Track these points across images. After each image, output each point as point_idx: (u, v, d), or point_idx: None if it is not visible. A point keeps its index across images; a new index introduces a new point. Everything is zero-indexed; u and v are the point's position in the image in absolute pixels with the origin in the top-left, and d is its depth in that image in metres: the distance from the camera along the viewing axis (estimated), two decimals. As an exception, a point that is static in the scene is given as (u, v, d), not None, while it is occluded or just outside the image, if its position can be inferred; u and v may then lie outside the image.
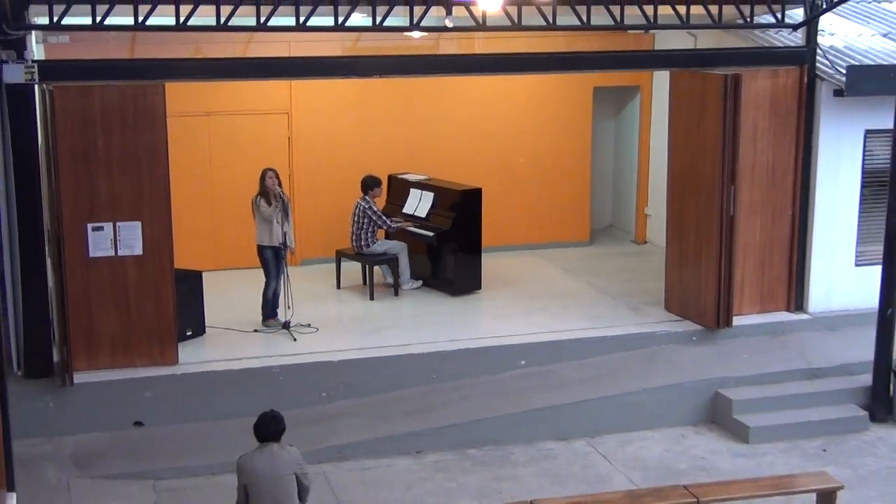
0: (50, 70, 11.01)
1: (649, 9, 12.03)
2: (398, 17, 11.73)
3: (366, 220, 14.10)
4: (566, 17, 11.98)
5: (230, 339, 12.50)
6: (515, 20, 11.85)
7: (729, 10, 12.59)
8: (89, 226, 11.13)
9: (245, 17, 11.05)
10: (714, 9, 12.33)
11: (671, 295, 13.50)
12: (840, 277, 13.50)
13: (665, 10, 12.20)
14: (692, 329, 12.98)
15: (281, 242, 12.79)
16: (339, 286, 14.62)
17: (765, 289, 13.36)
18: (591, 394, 11.88)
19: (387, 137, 15.73)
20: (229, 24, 10.94)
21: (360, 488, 10.45)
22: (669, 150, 13.34)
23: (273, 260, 12.90)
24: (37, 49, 12.71)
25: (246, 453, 8.29)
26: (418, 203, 14.66)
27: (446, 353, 12.17)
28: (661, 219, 14.28)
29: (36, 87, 10.98)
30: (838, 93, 12.73)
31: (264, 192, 12.78)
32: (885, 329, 11.94)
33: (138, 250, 11.30)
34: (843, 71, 12.62)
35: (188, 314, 12.23)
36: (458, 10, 11.81)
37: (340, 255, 14.55)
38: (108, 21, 10.55)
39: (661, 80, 15.71)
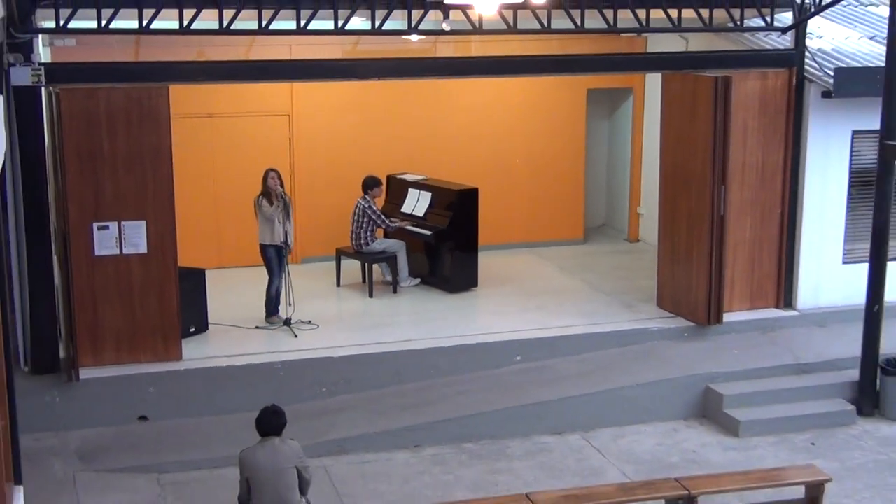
0: (56, 73, 10.99)
1: (642, 12, 12.04)
2: (396, 21, 11.72)
3: (365, 220, 14.09)
4: (560, 21, 11.98)
5: (232, 335, 12.49)
6: (511, 24, 11.85)
7: (720, 14, 12.59)
8: (95, 225, 11.11)
9: (247, 20, 11.05)
10: (705, 12, 12.34)
11: (663, 292, 13.50)
12: (828, 275, 13.50)
13: (657, 14, 12.21)
14: (684, 325, 12.98)
15: (282, 241, 12.79)
16: (338, 284, 14.61)
17: (754, 286, 13.35)
18: (586, 389, 11.87)
19: (385, 138, 15.71)
20: (231, 27, 10.94)
21: (359, 481, 10.44)
22: (661, 151, 13.33)
23: (275, 258, 12.89)
24: (43, 52, 12.70)
25: (248, 447, 8.29)
26: (416, 202, 14.65)
27: (444, 349, 12.16)
28: (654, 218, 14.29)
29: (42, 89, 10.98)
30: (826, 94, 12.74)
31: (266, 192, 12.77)
32: (871, 325, 11.95)
33: (143, 249, 11.29)
34: (831, 73, 12.63)
35: (192, 311, 12.21)
36: (454, 14, 11.81)
37: (340, 254, 14.54)
38: (113, 25, 10.56)
39: (653, 82, 15.70)
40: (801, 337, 13.06)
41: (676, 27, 12.33)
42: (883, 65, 11.73)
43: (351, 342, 12.29)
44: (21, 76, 10.55)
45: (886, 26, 11.63)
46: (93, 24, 10.58)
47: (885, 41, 11.77)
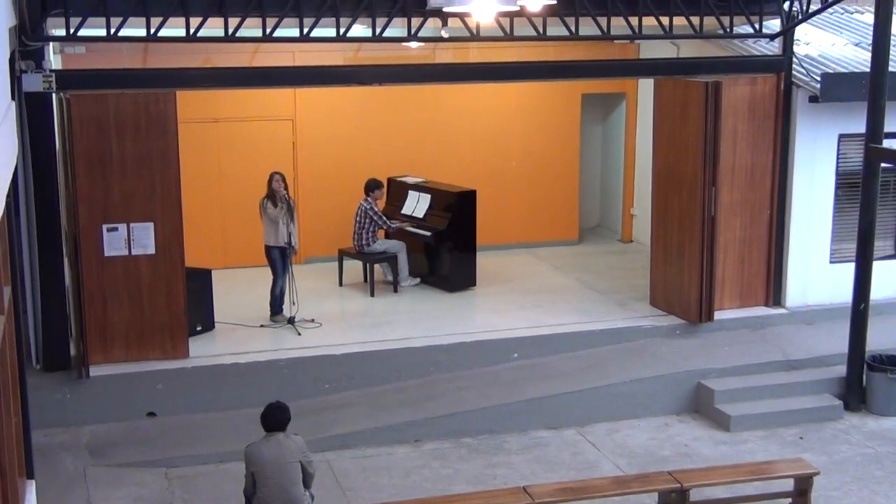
0: (66, 79, 10.98)
1: (634, 20, 12.02)
2: (396, 29, 11.71)
3: (367, 221, 14.08)
4: (556, 28, 11.98)
5: (238, 333, 12.48)
6: (507, 31, 11.85)
7: (710, 21, 12.58)
8: (104, 226, 11.10)
9: (252, 28, 11.04)
10: (696, 20, 12.34)
11: (656, 291, 13.49)
12: (815, 274, 13.49)
13: (649, 21, 12.20)
14: (676, 323, 12.97)
15: (286, 242, 12.78)
16: (341, 283, 14.59)
17: (744, 285, 13.35)
18: (581, 385, 11.86)
19: (386, 142, 15.70)
20: (237, 35, 10.93)
21: (361, 475, 10.43)
22: (654, 154, 13.32)
23: (279, 259, 12.89)
24: (54, 59, 12.69)
25: (253, 442, 8.28)
26: (416, 204, 14.64)
27: (443, 347, 12.15)
28: (647, 219, 14.28)
29: (53, 95, 10.96)
30: (813, 99, 12.74)
31: (271, 195, 12.76)
32: (858, 322, 11.94)
33: (151, 249, 11.28)
34: (818, 78, 12.63)
35: (198, 310, 12.20)
36: (453, 22, 11.80)
37: (343, 254, 14.52)
38: (121, 33, 10.55)
39: (645, 87, 15.68)
40: (790, 334, 13.05)
41: (668, 34, 12.33)
42: (868, 70, 11.73)
43: (353, 340, 12.28)
44: (32, 83, 10.54)
45: (871, 33, 11.63)
46: (102, 32, 10.57)
47: (870, 47, 11.76)
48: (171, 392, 11.21)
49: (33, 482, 8.54)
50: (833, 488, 10.17)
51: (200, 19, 10.72)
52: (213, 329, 12.53)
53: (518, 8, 10.45)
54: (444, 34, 12.21)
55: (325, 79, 12.73)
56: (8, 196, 6.87)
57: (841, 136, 13.22)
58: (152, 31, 10.62)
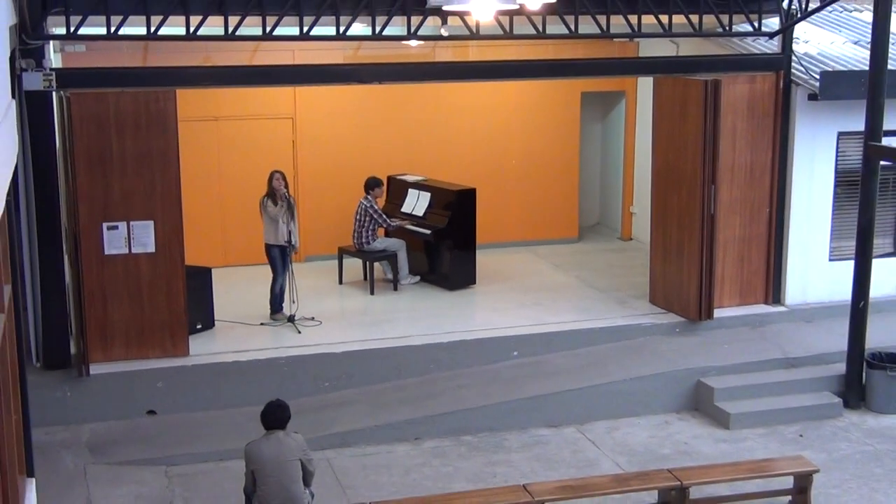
0: (67, 78, 10.97)
1: (634, 18, 12.00)
2: (396, 27, 11.69)
3: (367, 219, 14.06)
4: (555, 27, 11.96)
5: (238, 332, 12.47)
6: (507, 29, 11.83)
7: (709, 20, 12.57)
8: (104, 225, 11.08)
9: (251, 27, 11.02)
10: (695, 18, 12.32)
11: (655, 289, 13.48)
12: (815, 272, 13.48)
13: (648, 20, 12.19)
14: (676, 321, 12.96)
15: (286, 241, 12.77)
16: (341, 282, 14.58)
17: (744, 283, 13.34)
18: (581, 383, 11.84)
19: (386, 140, 15.69)
20: (237, 33, 10.91)
21: (361, 473, 10.42)
22: (653, 152, 13.31)
23: (279, 257, 12.87)
24: (54, 58, 12.68)
25: (253, 440, 8.27)
26: (416, 202, 14.63)
27: (443, 345, 12.14)
28: (646, 217, 14.27)
29: (53, 93, 10.96)
30: (812, 97, 12.72)
31: (271, 193, 12.75)
32: (857, 320, 11.92)
33: (151, 248, 11.26)
34: (817, 76, 12.61)
35: (198, 308, 12.19)
36: (452, 20, 11.79)
37: (342, 252, 14.51)
38: (121, 31, 10.52)
39: (645, 85, 15.67)
40: (790, 332, 13.04)
41: (667, 32, 12.31)
42: (867, 68, 11.71)
43: (353, 338, 12.26)
44: (33, 81, 10.53)
45: (870, 31, 11.62)
46: (102, 31, 10.55)
47: (868, 45, 11.75)
48: (171, 390, 11.20)
49: (33, 480, 8.53)
50: (832, 486, 10.16)
51: (200, 18, 10.70)
52: (213, 327, 12.51)
53: (517, 6, 10.44)
54: (444, 33, 12.19)
55: (325, 77, 12.71)
56: (8, 194, 6.85)
57: (840, 134, 13.21)
58: (152, 29, 10.61)
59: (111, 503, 9.62)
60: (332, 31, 11.23)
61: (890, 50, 11.67)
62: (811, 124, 13.07)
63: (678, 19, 12.24)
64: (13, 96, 9.71)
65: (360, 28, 11.56)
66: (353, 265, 14.55)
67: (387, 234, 14.59)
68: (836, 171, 13.35)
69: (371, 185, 14.16)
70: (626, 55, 16.00)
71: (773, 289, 13.41)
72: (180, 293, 11.44)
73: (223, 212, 15.15)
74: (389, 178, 15.04)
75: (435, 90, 15.46)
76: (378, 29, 11.27)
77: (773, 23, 12.93)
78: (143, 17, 10.53)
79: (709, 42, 13.90)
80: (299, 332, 12.44)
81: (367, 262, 14.30)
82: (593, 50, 15.12)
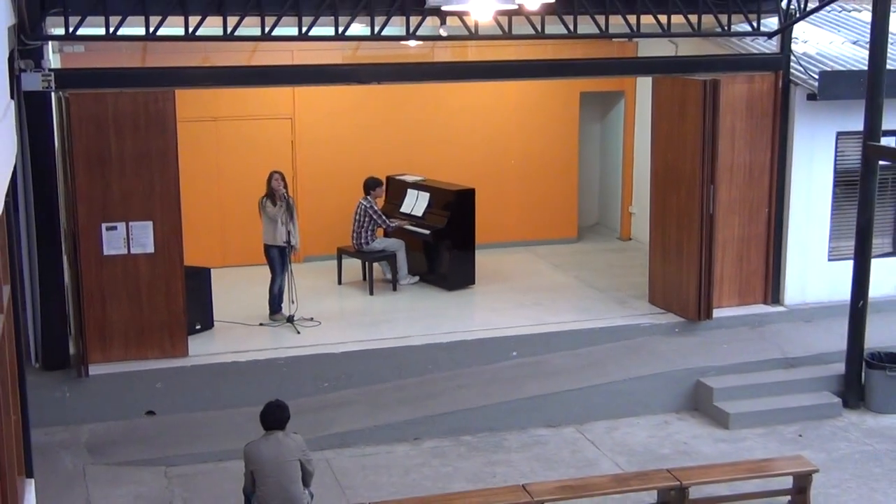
0: (65, 78, 10.97)
1: (632, 18, 12.01)
2: (395, 27, 11.70)
3: (367, 219, 14.06)
4: (554, 27, 11.96)
5: (237, 332, 12.46)
6: (506, 29, 11.83)
7: (708, 20, 12.58)
8: (103, 225, 11.08)
9: (250, 27, 11.02)
10: (694, 18, 12.32)
11: (655, 289, 13.48)
12: (814, 271, 13.48)
13: (647, 20, 12.20)
14: (675, 321, 12.96)
15: (285, 241, 12.76)
16: (340, 282, 14.57)
17: (743, 283, 13.33)
18: (580, 383, 11.84)
19: (385, 140, 15.68)
20: (235, 34, 10.92)
21: (360, 473, 10.42)
22: (652, 152, 13.31)
23: (278, 258, 12.87)
24: (53, 58, 12.67)
25: (252, 441, 8.27)
26: (415, 202, 14.63)
27: (442, 345, 12.14)
28: (645, 217, 14.27)
29: (52, 94, 10.95)
30: (811, 97, 12.72)
31: (270, 194, 12.74)
32: (856, 320, 11.93)
33: (150, 248, 11.26)
34: (816, 76, 12.61)
35: (197, 309, 12.18)
36: (451, 20, 11.79)
37: (341, 253, 14.50)
38: (120, 32, 10.53)
39: (644, 85, 15.67)
40: (789, 332, 13.04)
41: (666, 32, 12.32)
42: (866, 68, 11.71)
43: (352, 338, 12.26)
44: (31, 82, 10.53)
45: (869, 31, 11.62)
46: (101, 31, 10.55)
47: (867, 45, 11.75)
48: (170, 391, 11.19)
49: (32, 481, 8.52)
50: (832, 486, 10.16)
51: (199, 18, 10.70)
52: (212, 328, 12.51)
53: (516, 6, 10.45)
54: (443, 33, 12.19)
55: (324, 77, 12.71)
56: (7, 195, 6.85)
57: (839, 134, 13.21)
58: (151, 30, 10.61)
59: (110, 503, 9.62)
60: (330, 31, 11.23)
61: (889, 50, 11.67)
62: (810, 124, 13.07)
63: (677, 19, 12.25)
64: (12, 97, 9.71)
65: (358, 28, 11.56)
66: (352, 265, 14.55)
67: (386, 234, 14.59)
68: (835, 171, 13.35)
69: (371, 185, 14.16)
70: (624, 55, 16.00)
71: (772, 289, 13.41)
72: (179, 294, 11.43)
73: (222, 212, 15.14)
74: (388, 179, 15.03)
75: (434, 90, 15.46)
76: (377, 29, 11.27)
77: (771, 23, 12.93)
78: (142, 18, 10.53)
79: (708, 42, 13.90)
80: (298, 333, 12.43)
81: (367, 263, 14.29)
82: (592, 50, 15.12)
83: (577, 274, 15.16)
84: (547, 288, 14.42)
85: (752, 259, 13.30)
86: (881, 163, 11.87)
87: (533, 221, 16.70)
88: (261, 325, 12.76)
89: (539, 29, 11.84)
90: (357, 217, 14.11)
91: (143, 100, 11.03)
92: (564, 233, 16.97)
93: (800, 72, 12.88)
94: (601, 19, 11.89)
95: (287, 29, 11.20)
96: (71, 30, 10.48)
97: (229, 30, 10.86)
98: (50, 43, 11.57)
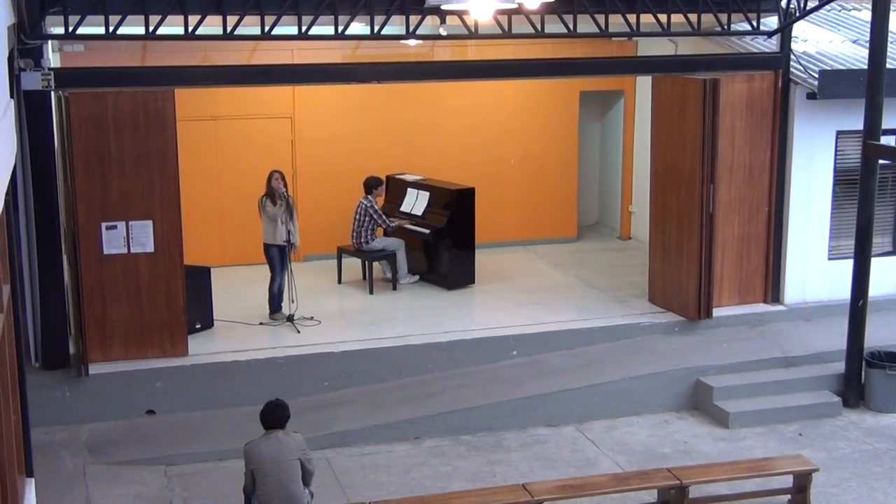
0: (65, 77, 10.97)
1: (632, 17, 12.01)
2: (395, 26, 11.70)
3: (367, 219, 14.06)
4: (554, 26, 11.96)
5: (237, 331, 12.46)
6: (505, 28, 11.83)
7: (707, 19, 12.57)
8: (103, 224, 11.08)
9: (250, 26, 11.02)
10: (693, 17, 12.31)
11: (655, 288, 13.48)
12: (814, 271, 13.48)
13: (647, 19, 12.19)
14: (675, 320, 12.96)
15: (285, 240, 12.76)
16: (340, 281, 14.58)
17: (743, 282, 13.33)
18: (580, 382, 11.84)
19: (384, 140, 15.68)
20: (235, 33, 10.91)
21: (360, 472, 10.42)
22: (652, 151, 13.31)
23: (278, 257, 12.87)
24: (53, 58, 12.67)
25: (252, 440, 8.27)
26: (415, 202, 14.63)
27: (442, 344, 12.14)
28: (645, 216, 14.27)
29: (52, 93, 10.95)
30: (811, 96, 12.72)
31: (270, 193, 12.74)
32: (856, 319, 11.92)
33: (150, 248, 11.26)
34: (816, 75, 12.61)
35: (197, 308, 12.18)
36: (451, 19, 11.78)
37: (341, 252, 14.51)
38: (120, 31, 10.52)
39: (643, 84, 15.67)
40: (789, 331, 13.04)
41: (666, 31, 12.32)
42: (866, 67, 11.71)
43: (352, 338, 12.26)
44: (31, 81, 10.52)
45: (869, 30, 11.61)
46: (100, 31, 10.55)
47: (867, 44, 11.74)
48: (170, 390, 11.19)
49: (32, 480, 8.52)
50: (832, 485, 10.16)
51: (199, 17, 10.70)
52: (212, 327, 12.51)
53: (516, 5, 10.45)
54: (443, 32, 12.19)
55: (324, 76, 12.70)
56: (7, 194, 6.85)
57: (839, 133, 13.21)
58: (151, 29, 10.60)
59: (110, 503, 9.62)
60: (330, 30, 11.23)
61: (889, 49, 11.67)
62: (810, 123, 13.07)
63: (677, 18, 12.25)
64: (11, 96, 9.71)
65: (358, 27, 11.57)
66: (352, 265, 14.55)
67: (386, 234, 14.59)
68: (835, 170, 13.35)
69: (372, 185, 14.16)
70: (624, 54, 16.00)
71: (772, 288, 13.41)
72: (179, 293, 11.43)
73: (222, 211, 15.14)
74: (388, 178, 15.03)
75: (434, 89, 15.45)
76: (376, 28, 11.27)
77: (771, 22, 12.93)
78: (142, 17, 10.53)
79: (707, 41, 13.89)
80: (298, 332, 12.43)
81: (366, 262, 14.30)
82: (592, 49, 15.11)
83: (577, 273, 15.16)
84: (547, 287, 14.42)
85: (751, 258, 13.30)
86: (881, 162, 11.87)
87: (533, 221, 16.70)
88: (261, 324, 12.76)
89: (539, 28, 11.84)
90: (357, 216, 14.11)
91: (142, 99, 11.03)
92: (564, 232, 16.98)
93: (800, 71, 12.88)
94: (601, 18, 11.89)
95: (287, 28, 11.20)
96: (70, 29, 10.47)
97: (229, 29, 10.86)
98: (49, 42, 11.58)
